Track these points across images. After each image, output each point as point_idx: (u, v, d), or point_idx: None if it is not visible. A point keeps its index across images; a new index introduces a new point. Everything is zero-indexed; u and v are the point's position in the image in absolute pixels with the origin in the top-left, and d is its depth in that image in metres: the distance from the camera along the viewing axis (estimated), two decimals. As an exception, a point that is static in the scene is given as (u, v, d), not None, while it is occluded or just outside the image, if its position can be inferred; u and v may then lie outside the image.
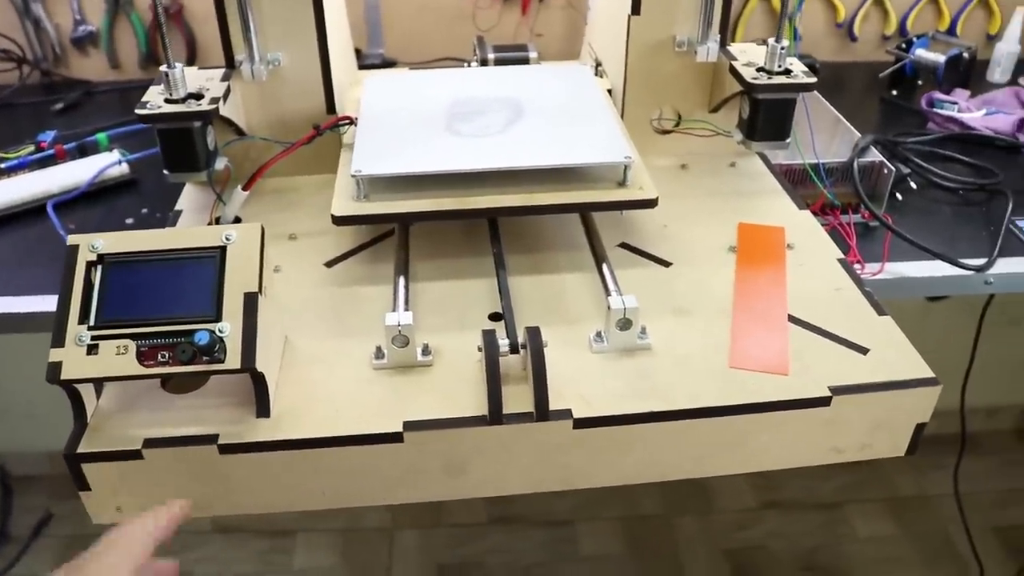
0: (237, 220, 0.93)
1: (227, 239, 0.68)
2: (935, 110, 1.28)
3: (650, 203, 0.82)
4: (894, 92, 1.40)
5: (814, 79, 0.91)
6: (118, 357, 0.64)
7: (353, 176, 0.80)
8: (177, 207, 0.96)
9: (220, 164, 0.91)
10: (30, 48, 1.42)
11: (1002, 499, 1.91)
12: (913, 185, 1.12)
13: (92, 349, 0.64)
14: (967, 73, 1.35)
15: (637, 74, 0.99)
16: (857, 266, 0.97)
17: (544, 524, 1.79)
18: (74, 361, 0.64)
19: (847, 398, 0.70)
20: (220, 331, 0.65)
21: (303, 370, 0.72)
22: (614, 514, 1.80)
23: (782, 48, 0.90)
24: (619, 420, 0.68)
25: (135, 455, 0.66)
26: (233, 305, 0.66)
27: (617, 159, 0.82)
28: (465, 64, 1.17)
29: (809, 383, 0.71)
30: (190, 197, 0.98)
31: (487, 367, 0.66)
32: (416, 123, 0.89)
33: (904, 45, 1.39)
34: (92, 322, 0.65)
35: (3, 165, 1.17)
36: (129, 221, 1.08)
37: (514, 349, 0.70)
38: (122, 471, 0.66)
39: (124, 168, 1.15)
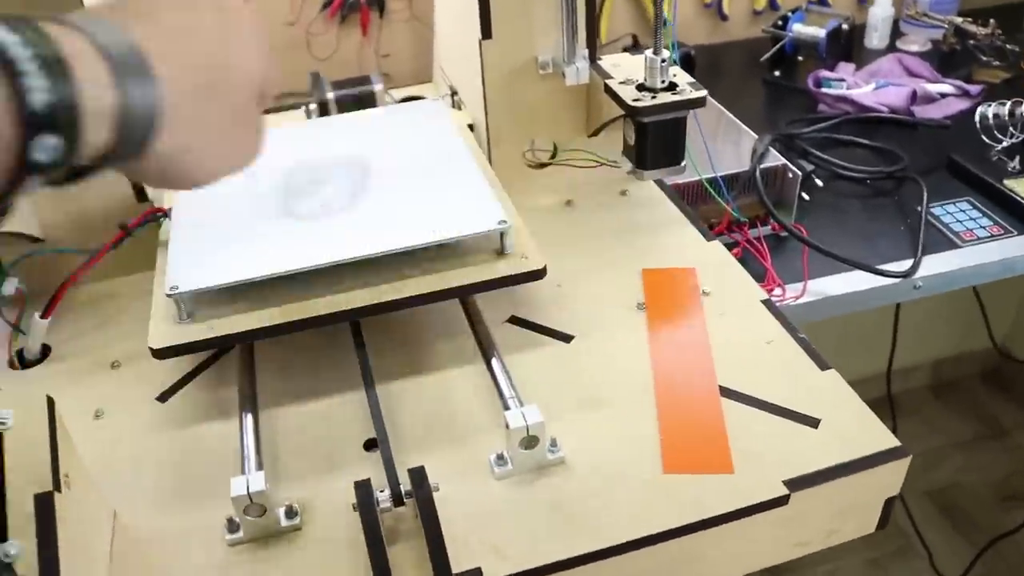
0: (45, 350, 0.76)
1: (1, 424, 0.52)
2: (823, 90, 1.18)
3: (537, 275, 0.69)
4: (776, 73, 1.30)
5: (704, 92, 0.79)
6: None
7: (168, 295, 0.63)
8: (-34, 340, 0.78)
9: (9, 288, 0.74)
10: None
11: (928, 461, 1.87)
12: (819, 182, 1.02)
13: None
14: (848, 44, 1.26)
15: (499, 104, 0.85)
16: (778, 291, 0.86)
17: None
18: None
19: (806, 492, 0.58)
20: (6, 555, 0.48)
21: (139, 562, 0.57)
22: None
23: (663, 61, 0.78)
24: (543, 571, 0.54)
25: None
26: (20, 515, 0.49)
27: (491, 226, 0.68)
28: (303, 107, 1.01)
29: (760, 480, 0.59)
30: (-13, 324, 0.80)
31: (366, 536, 0.52)
32: (243, 208, 0.73)
33: (780, 22, 1.28)
34: None
35: None
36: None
37: (398, 500, 0.56)
38: None
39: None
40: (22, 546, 0.48)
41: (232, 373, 0.71)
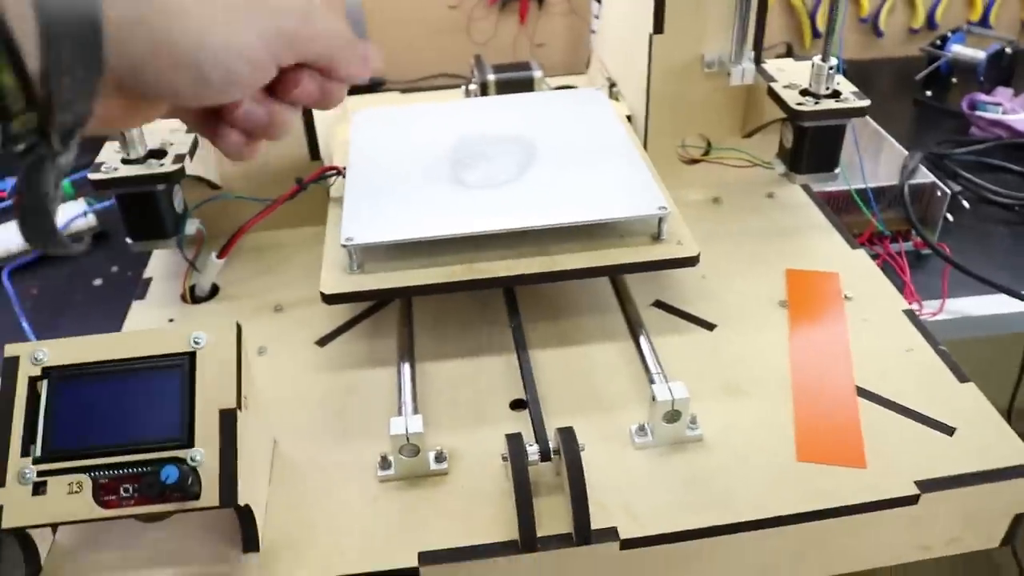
0: (215, 288, 0.82)
1: (196, 343, 0.57)
2: (978, 113, 1.16)
3: (691, 261, 0.71)
4: (928, 93, 1.28)
5: (867, 102, 0.79)
6: (71, 497, 0.53)
7: (344, 246, 0.68)
8: (146, 274, 0.85)
9: (191, 228, 0.80)
10: None
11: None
12: (965, 204, 1.01)
13: (39, 488, 0.53)
14: (1010, 69, 1.24)
15: (661, 98, 0.87)
16: (915, 306, 0.86)
17: None
18: (18, 504, 0.52)
19: (936, 495, 0.59)
20: (192, 459, 0.53)
21: (296, 485, 0.61)
22: None
23: (830, 68, 0.79)
24: (673, 538, 0.57)
25: (96, 608, 0.55)
26: (207, 426, 0.54)
27: (651, 211, 0.71)
28: (463, 86, 1.05)
29: (891, 477, 0.60)
30: (161, 262, 0.86)
31: (515, 484, 0.55)
32: (414, 172, 0.78)
33: (938, 41, 1.27)
34: (39, 453, 0.54)
35: (-40, 217, 1.05)
36: (97, 283, 0.97)
37: (545, 456, 0.59)
38: (77, 624, 0.56)
39: (91, 220, 1.04)
40: (206, 454, 0.53)
41: (387, 326, 0.75)
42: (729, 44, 0.84)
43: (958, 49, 1.25)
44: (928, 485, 0.59)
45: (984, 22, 1.36)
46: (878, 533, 0.61)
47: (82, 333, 0.58)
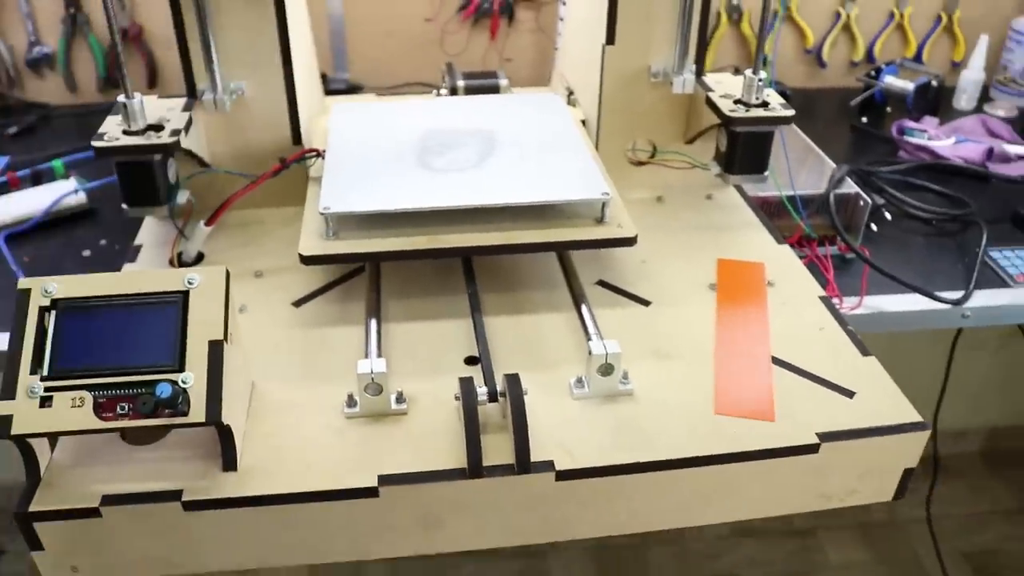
0: (200, 256, 0.90)
1: (190, 283, 0.65)
2: (906, 138, 1.28)
3: (629, 241, 0.80)
4: (864, 119, 1.39)
5: (792, 112, 0.89)
6: (73, 410, 0.60)
7: (322, 213, 0.77)
8: (136, 241, 0.93)
9: (182, 198, 0.88)
10: (-19, 70, 1.38)
11: (970, 524, 1.91)
12: (887, 216, 1.11)
13: (45, 401, 0.60)
14: (935, 100, 1.35)
15: (612, 104, 0.97)
16: (835, 301, 0.96)
17: (517, 555, 1.75)
18: (25, 415, 0.60)
19: (835, 444, 0.68)
20: (183, 382, 0.61)
21: (271, 419, 0.69)
22: (587, 544, 1.77)
23: (759, 80, 0.89)
24: (603, 471, 0.65)
25: (92, 513, 0.62)
26: (197, 354, 0.62)
27: (595, 195, 0.80)
28: (434, 91, 1.14)
29: (796, 429, 0.69)
30: (150, 231, 0.94)
31: (465, 418, 0.63)
32: (386, 156, 0.86)
33: (873, 73, 1.38)
34: (46, 372, 0.61)
35: (-50, 194, 1.11)
36: (86, 253, 1.04)
37: (492, 397, 0.67)
38: (78, 530, 0.63)
39: (82, 197, 1.11)
40: (195, 378, 0.61)
41: (357, 292, 0.83)
42: (673, 57, 0.94)
43: (890, 80, 1.37)
44: (828, 436, 0.68)
45: (918, 58, 1.48)
46: (783, 480, 0.69)
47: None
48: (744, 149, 0.91)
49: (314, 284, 0.85)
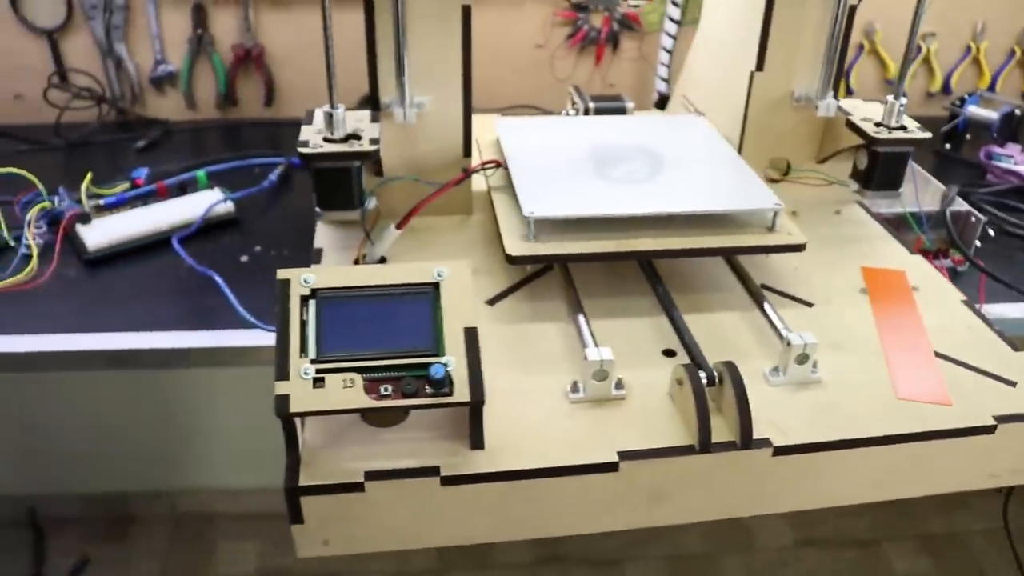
0: (382, 259, 0.95)
1: (439, 275, 0.71)
2: (993, 162, 1.36)
3: (799, 247, 0.87)
4: (947, 146, 1.48)
5: (928, 134, 0.97)
6: (346, 391, 0.66)
7: (526, 217, 0.83)
8: (316, 245, 0.98)
9: (371, 203, 0.94)
10: (109, 86, 1.44)
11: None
12: (991, 232, 1.19)
13: (317, 382, 0.66)
14: (1018, 128, 1.44)
15: (756, 127, 1.04)
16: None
17: (591, 564, 1.80)
18: (301, 394, 0.65)
19: (1009, 427, 0.75)
20: (447, 365, 0.67)
21: (502, 403, 0.74)
22: (660, 553, 1.83)
23: (900, 106, 0.96)
24: (813, 448, 0.72)
25: (356, 488, 0.67)
26: (454, 339, 0.68)
27: (768, 205, 0.87)
28: (564, 112, 1.21)
29: (972, 413, 0.75)
30: (327, 236, 1.00)
31: (696, 398, 0.70)
32: (566, 168, 0.93)
33: (958, 102, 1.47)
34: (313, 355, 0.67)
35: (102, 202, 1.17)
36: (244, 259, 1.09)
37: (711, 382, 0.73)
38: (339, 504, 0.68)
39: (229, 206, 1.17)
40: (455, 361, 0.67)
41: (542, 293, 0.89)
42: (816, 81, 1.01)
43: (974, 110, 1.45)
44: (1003, 419, 0.75)
45: (992, 88, 1.57)
46: (959, 460, 0.76)
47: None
48: (884, 168, 0.98)
49: (500, 285, 0.90)
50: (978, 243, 1.15)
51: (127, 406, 1.72)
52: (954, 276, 1.11)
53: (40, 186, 1.12)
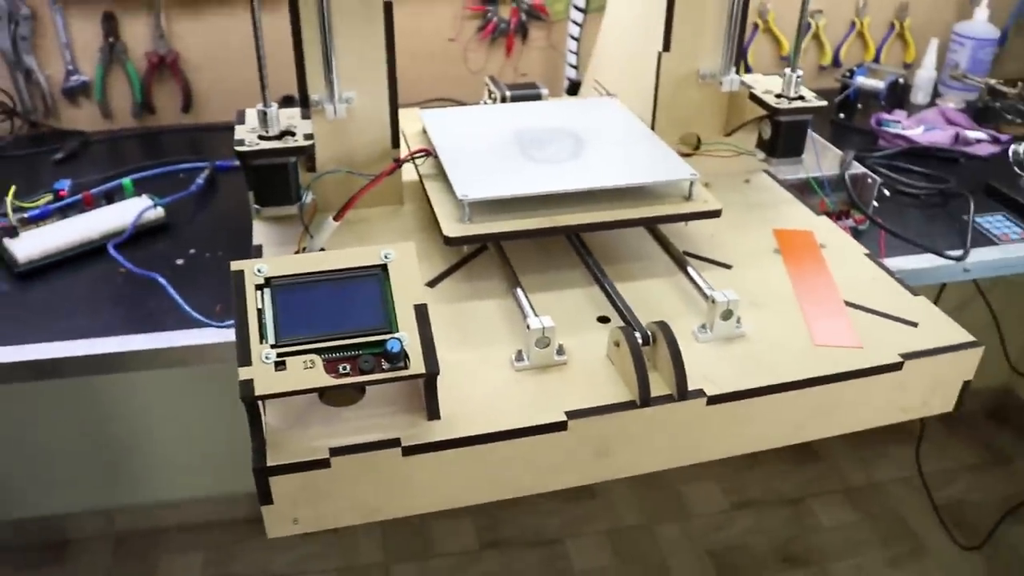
0: (321, 251, 0.98)
1: (386, 257, 0.75)
2: (883, 128, 1.46)
3: (715, 213, 0.93)
4: (841, 115, 1.57)
5: (825, 102, 1.05)
6: (307, 371, 0.69)
7: (461, 200, 0.87)
8: (255, 241, 1.00)
9: (308, 198, 0.97)
10: (19, 99, 1.42)
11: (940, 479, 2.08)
12: (887, 192, 1.28)
13: (279, 366, 0.69)
14: (902, 96, 1.54)
15: (666, 104, 1.10)
16: (865, 263, 1.11)
17: (534, 544, 1.86)
18: (264, 378, 0.68)
19: (915, 363, 0.82)
20: (402, 340, 0.70)
21: (453, 377, 0.78)
22: (599, 528, 1.89)
23: (798, 77, 1.04)
24: (743, 395, 0.78)
25: (322, 464, 0.70)
26: (405, 317, 0.72)
27: (684, 176, 0.93)
28: (482, 100, 1.26)
29: (881, 353, 0.83)
30: (265, 233, 1.01)
31: (633, 357, 0.75)
32: (493, 152, 0.98)
33: (847, 74, 1.57)
34: (273, 340, 0.70)
35: (27, 215, 1.16)
36: (179, 262, 1.11)
37: (646, 341, 0.79)
38: (307, 481, 0.71)
39: (160, 212, 1.18)
40: (409, 337, 0.71)
41: (481, 271, 0.94)
42: (719, 59, 1.08)
43: (862, 80, 1.56)
44: (909, 355, 0.82)
45: (876, 60, 1.68)
46: (872, 397, 0.83)
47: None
48: (787, 136, 1.06)
49: (438, 268, 0.94)
50: (875, 203, 1.24)
51: (58, 421, 1.70)
52: (856, 234, 1.20)
53: (-40, 203, 1.11)
